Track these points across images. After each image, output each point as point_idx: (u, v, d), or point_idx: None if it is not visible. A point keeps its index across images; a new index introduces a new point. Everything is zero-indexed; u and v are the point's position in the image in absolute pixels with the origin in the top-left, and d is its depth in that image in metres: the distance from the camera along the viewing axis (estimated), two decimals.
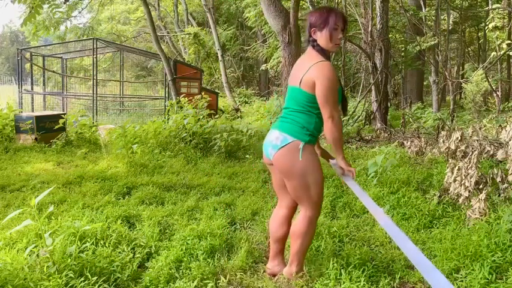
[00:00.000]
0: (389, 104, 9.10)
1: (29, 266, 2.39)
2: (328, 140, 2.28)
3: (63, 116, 7.08)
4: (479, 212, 3.15)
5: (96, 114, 10.07)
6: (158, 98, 12.96)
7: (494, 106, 11.98)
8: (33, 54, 11.25)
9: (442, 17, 14.19)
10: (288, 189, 2.40)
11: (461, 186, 3.48)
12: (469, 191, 3.40)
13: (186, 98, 7.55)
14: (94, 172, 4.90)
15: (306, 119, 2.28)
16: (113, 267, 2.51)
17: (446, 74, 11.40)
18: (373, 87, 8.60)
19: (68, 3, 8.92)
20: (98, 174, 4.80)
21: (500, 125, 5.31)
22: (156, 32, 9.51)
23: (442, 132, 4.60)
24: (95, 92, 10.17)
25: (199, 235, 2.96)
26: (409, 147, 5.85)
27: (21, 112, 8.07)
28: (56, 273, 2.32)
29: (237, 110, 12.92)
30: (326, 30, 2.27)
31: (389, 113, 8.95)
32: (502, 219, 2.89)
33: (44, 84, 12.06)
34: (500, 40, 12.28)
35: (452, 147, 4.03)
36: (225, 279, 2.50)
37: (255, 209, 3.71)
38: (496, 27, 11.61)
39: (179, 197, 4.09)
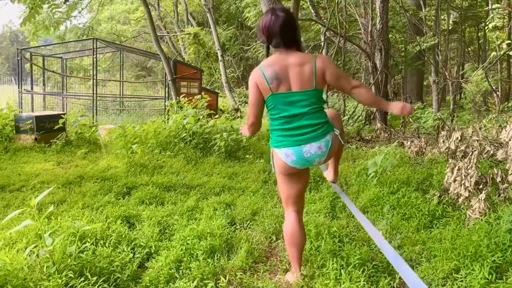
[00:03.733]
0: None
1: (28, 266, 2.39)
2: (370, 100, 2.41)
3: (63, 116, 7.08)
4: (479, 212, 3.15)
5: (96, 114, 10.07)
6: (158, 98, 12.97)
7: (494, 106, 11.99)
8: (33, 54, 11.26)
9: (442, 17, 14.19)
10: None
11: (461, 186, 3.48)
12: (469, 191, 3.40)
13: (186, 98, 7.55)
14: (94, 172, 4.90)
15: (324, 114, 2.34)
16: (113, 267, 2.51)
17: (446, 74, 11.40)
18: (373, 87, 8.60)
19: (68, 3, 8.92)
20: (98, 174, 4.80)
21: (500, 125, 5.31)
22: (156, 32, 9.50)
23: (442, 132, 4.60)
24: (94, 92, 10.17)
25: (199, 235, 2.96)
26: (409, 147, 5.85)
27: (21, 112, 8.07)
28: (56, 273, 2.32)
29: (237, 110, 12.92)
30: None
31: (389, 113, 8.95)
32: (502, 219, 2.89)
33: (43, 84, 12.07)
34: (500, 40, 12.28)
35: (452, 147, 4.03)
36: (225, 279, 2.49)
37: (255, 209, 3.71)
38: (496, 27, 11.61)
39: (179, 197, 4.09)
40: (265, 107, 2.37)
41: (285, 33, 2.24)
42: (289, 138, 2.29)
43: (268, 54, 2.39)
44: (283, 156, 2.31)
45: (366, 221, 2.30)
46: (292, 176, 2.38)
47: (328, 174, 2.92)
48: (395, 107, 2.30)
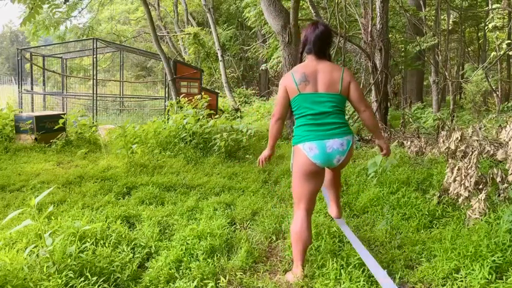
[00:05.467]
0: (389, 104, 9.09)
1: (28, 266, 2.39)
2: (372, 126, 2.65)
3: (63, 116, 7.08)
4: (479, 212, 3.15)
5: (96, 114, 10.07)
6: (158, 98, 12.96)
7: (494, 106, 11.99)
8: (33, 54, 11.25)
9: (442, 17, 14.19)
10: (338, 172, 2.87)
11: (461, 186, 3.48)
12: (469, 191, 3.39)
13: (186, 98, 7.55)
14: (94, 172, 4.91)
15: (344, 117, 2.57)
16: (113, 267, 2.51)
17: (446, 74, 11.39)
18: (373, 87, 8.59)
19: (68, 3, 8.92)
20: (98, 174, 4.80)
21: (500, 125, 5.31)
22: (156, 32, 9.50)
23: (442, 132, 4.60)
24: (94, 92, 10.17)
25: (199, 235, 2.96)
26: (409, 147, 5.84)
27: (21, 112, 8.07)
28: (56, 273, 2.32)
29: (237, 110, 12.92)
30: None
31: (389, 113, 8.94)
32: (502, 219, 2.89)
33: (43, 84, 12.07)
34: (500, 40, 12.29)
35: (452, 147, 4.02)
36: (225, 279, 2.50)
37: (255, 209, 3.71)
38: (496, 27, 11.62)
39: (179, 197, 4.09)
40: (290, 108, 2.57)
41: (318, 43, 2.51)
42: (314, 132, 2.45)
43: (301, 61, 2.64)
44: (306, 150, 2.44)
45: (370, 258, 2.36)
46: (310, 176, 2.48)
47: (332, 211, 3.04)
48: (384, 146, 2.73)
